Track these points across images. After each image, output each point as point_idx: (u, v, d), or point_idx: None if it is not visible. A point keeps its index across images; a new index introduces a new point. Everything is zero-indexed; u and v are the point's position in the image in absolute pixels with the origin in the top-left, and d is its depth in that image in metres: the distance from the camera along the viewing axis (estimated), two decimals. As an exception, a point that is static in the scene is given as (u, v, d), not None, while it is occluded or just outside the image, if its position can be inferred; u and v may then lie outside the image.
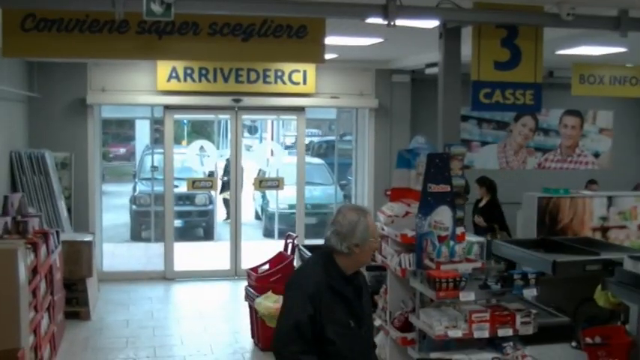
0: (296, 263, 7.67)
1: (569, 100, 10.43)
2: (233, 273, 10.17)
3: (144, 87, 9.69)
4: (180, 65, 9.55)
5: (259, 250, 10.90)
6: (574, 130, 11.33)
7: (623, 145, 11.45)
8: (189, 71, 9.61)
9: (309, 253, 6.52)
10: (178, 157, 11.07)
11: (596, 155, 11.47)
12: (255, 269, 7.67)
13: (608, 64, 8.97)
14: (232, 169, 10.58)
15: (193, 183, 10.19)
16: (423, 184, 4.42)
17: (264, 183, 10.65)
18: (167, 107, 9.85)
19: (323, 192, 11.81)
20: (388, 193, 5.14)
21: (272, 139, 23.89)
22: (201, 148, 10.39)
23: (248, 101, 9.96)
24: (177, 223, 12.42)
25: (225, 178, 12.32)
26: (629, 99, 10.65)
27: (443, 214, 4.39)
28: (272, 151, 11.64)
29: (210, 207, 13.11)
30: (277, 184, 10.39)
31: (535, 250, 6.76)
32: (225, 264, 10.32)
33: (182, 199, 12.80)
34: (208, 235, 13.20)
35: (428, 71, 9.42)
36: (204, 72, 9.64)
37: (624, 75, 9.01)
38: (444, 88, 5.70)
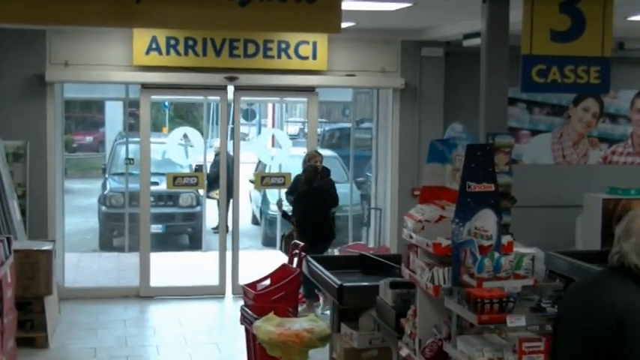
0: (304, 278, 7.70)
1: (643, 78, 10.40)
2: (223, 290, 10.20)
3: (116, 61, 9.73)
4: (161, 35, 9.58)
5: (258, 262, 10.95)
6: (649, 117, 11.28)
7: None
8: (172, 42, 9.64)
9: (319, 266, 6.53)
10: (158, 147, 11.11)
11: (677, 147, 11.42)
12: (253, 285, 7.69)
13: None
14: (223, 162, 10.60)
15: (174, 180, 10.23)
16: (460, 182, 4.42)
17: (267, 180, 10.66)
18: (145, 86, 9.89)
19: (339, 192, 11.81)
20: (417, 193, 5.16)
21: (273, 126, 23.97)
22: (185, 136, 10.41)
23: (245, 80, 9.97)
24: (157, 228, 12.49)
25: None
26: None
27: (485, 219, 4.38)
28: (273, 141, 11.65)
29: (198, 209, 13.16)
30: (283, 181, 10.40)
31: (599, 264, 6.76)
32: (214, 279, 10.36)
33: (163, 199, 12.85)
34: (195, 243, 13.26)
35: (467, 43, 9.40)
36: (191, 43, 9.67)
37: None
38: (488, 65, 5.71)
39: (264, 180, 10.67)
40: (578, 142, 11.00)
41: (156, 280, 10.13)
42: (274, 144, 11.63)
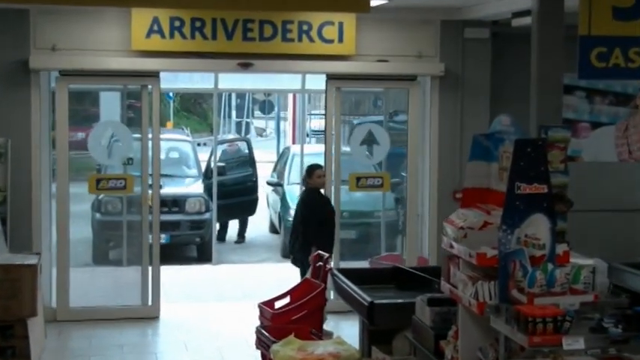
0: (330, 294, 7.72)
1: None
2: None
3: (113, 45, 9.79)
4: (164, 15, 9.63)
5: (277, 277, 11.00)
6: None
7: None
8: (177, 24, 9.69)
9: (347, 280, 6.56)
10: (162, 144, 11.16)
11: None
12: (270, 303, 7.72)
13: None
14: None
15: (98, 183, 10.04)
16: (508, 182, 4.43)
17: (362, 181, 10.52)
18: (146, 75, 9.96)
19: (366, 195, 11.84)
20: (459, 195, 5.16)
21: (294, 119, 24.03)
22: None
23: (261, 66, 10.00)
24: (161, 238, 12.55)
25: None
26: None
27: (537, 226, 4.39)
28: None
29: (207, 216, 13.24)
30: (381, 182, 10.45)
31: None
32: (227, 292, 10.39)
33: (167, 204, 12.92)
34: (204, 255, 13.34)
35: (516, 23, 9.37)
36: (198, 25, 9.72)
37: None
38: (540, 48, 5.71)
39: (359, 181, 10.62)
40: (646, 135, 10.93)
41: (161, 298, 10.17)
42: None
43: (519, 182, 4.40)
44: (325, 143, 10.58)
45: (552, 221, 4.44)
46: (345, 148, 12.12)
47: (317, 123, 24.79)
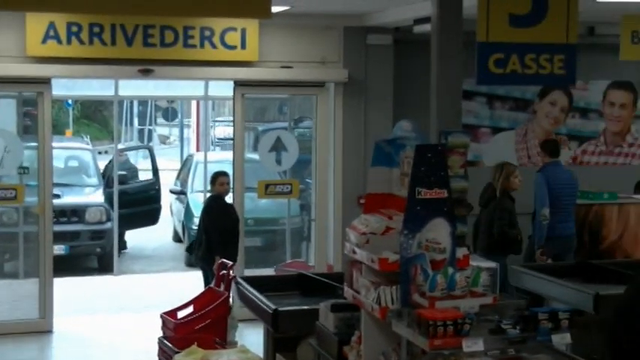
0: (233, 302, 7.69)
1: (617, 67, 10.64)
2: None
3: (7, 51, 9.57)
4: (60, 20, 9.48)
5: (180, 286, 10.92)
6: (624, 110, 11.56)
7: (693, 130, 11.72)
8: (74, 29, 9.54)
9: (251, 288, 6.55)
10: (60, 153, 10.97)
11: (656, 145, 11.73)
12: (173, 313, 7.66)
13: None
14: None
15: None
16: (409, 187, 4.48)
17: (271, 188, 10.51)
18: (42, 81, 9.77)
19: (271, 202, 11.85)
20: (363, 201, 5.20)
21: (198, 127, 23.90)
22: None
23: (162, 73, 9.93)
24: (59, 249, 12.32)
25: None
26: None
27: (438, 230, 4.45)
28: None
29: (108, 225, 13.04)
30: (290, 188, 10.43)
31: (570, 279, 6.92)
32: (129, 303, 10.26)
33: (66, 214, 12.70)
34: (105, 266, 13.14)
35: (418, 29, 9.52)
36: (97, 30, 9.59)
37: (695, 30, 9.21)
38: (439, 54, 5.81)
39: (268, 188, 10.57)
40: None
41: (60, 311, 10.00)
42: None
43: (420, 187, 4.46)
44: (234, 150, 10.54)
45: (452, 225, 4.51)
46: (251, 155, 12.13)
47: (221, 130, 24.72)
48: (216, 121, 25.30)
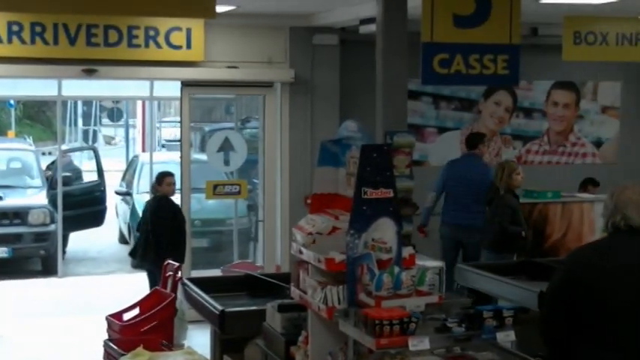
0: (179, 304, 7.66)
1: (559, 67, 10.80)
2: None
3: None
4: (1, 19, 9.36)
5: (126, 288, 10.83)
6: (567, 110, 11.74)
7: (634, 129, 11.93)
8: (15, 28, 9.43)
9: (197, 289, 6.52)
10: (2, 154, 10.84)
11: (598, 144, 11.93)
12: (118, 315, 7.60)
13: (613, 17, 9.32)
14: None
15: None
16: (355, 187, 4.50)
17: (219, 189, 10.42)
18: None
19: (218, 202, 11.81)
20: (310, 201, 5.20)
21: (143, 127, 23.73)
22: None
23: (106, 73, 9.85)
24: (2, 252, 12.17)
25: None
26: (641, 65, 11.11)
27: (384, 230, 4.47)
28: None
29: (52, 227, 12.89)
30: (239, 189, 10.37)
31: (514, 277, 7.01)
32: (74, 306, 10.16)
33: (8, 216, 12.53)
34: (49, 268, 12.98)
35: (363, 30, 9.57)
36: (38, 30, 9.48)
37: (636, 31, 9.38)
38: (385, 54, 5.84)
39: (216, 189, 10.49)
40: (489, 139, 11.33)
41: (4, 315, 9.87)
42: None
43: (366, 187, 4.47)
44: (181, 151, 10.49)
45: (398, 225, 4.53)
46: (197, 156, 12.08)
47: (168, 131, 24.56)
48: (163, 121, 25.13)
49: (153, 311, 7.42)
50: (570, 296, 4.16)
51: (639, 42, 9.39)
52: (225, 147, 10.49)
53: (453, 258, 9.02)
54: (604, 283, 4.09)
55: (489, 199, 8.90)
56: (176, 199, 9.90)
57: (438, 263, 4.92)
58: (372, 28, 8.15)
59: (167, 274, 7.85)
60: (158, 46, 9.84)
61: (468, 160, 9.58)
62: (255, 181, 11.73)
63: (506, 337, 4.37)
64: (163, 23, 9.78)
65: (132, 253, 10.40)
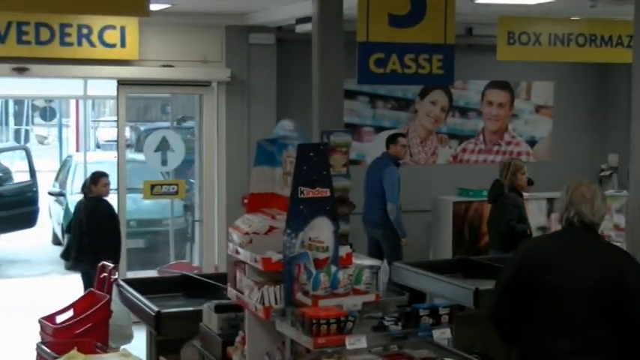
0: (114, 306, 7.58)
1: (494, 67, 10.95)
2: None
3: None
4: None
5: (60, 290, 10.70)
6: (501, 109, 11.90)
7: (568, 128, 12.13)
8: (-58, 25, 9.27)
9: (133, 290, 6.47)
10: None
11: (532, 143, 12.11)
12: (51, 318, 7.50)
13: (547, 18, 9.48)
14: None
15: None
16: (292, 187, 4.50)
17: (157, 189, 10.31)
18: None
19: (154, 202, 11.73)
20: (246, 201, 5.19)
21: (77, 127, 23.43)
22: None
23: (38, 71, 9.72)
24: None
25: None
26: (574, 65, 11.31)
27: (320, 229, 4.47)
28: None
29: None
30: (176, 189, 10.34)
31: (450, 274, 7.09)
32: (5, 309, 10.01)
33: None
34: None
35: (300, 29, 9.57)
36: (-33, 27, 9.34)
37: (569, 32, 9.56)
38: (320, 53, 5.86)
39: (154, 189, 10.37)
40: (426, 139, 11.45)
41: None
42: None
43: (302, 186, 4.48)
44: (118, 150, 10.39)
45: (335, 224, 4.54)
46: (132, 155, 11.97)
47: (103, 131, 24.29)
48: (97, 121, 24.85)
49: (87, 313, 7.33)
50: (521, 287, 4.37)
51: (571, 42, 9.58)
52: (163, 147, 10.43)
53: (373, 254, 9.11)
54: (553, 275, 4.30)
55: (494, 198, 8.76)
56: (110, 199, 9.80)
57: (374, 262, 4.94)
58: (308, 27, 8.16)
59: (101, 276, 7.77)
60: (91, 44, 9.74)
61: (378, 160, 9.79)
62: (192, 181, 11.68)
63: (443, 335, 4.41)
64: (97, 21, 9.68)
65: (64, 255, 10.25)
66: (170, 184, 10.60)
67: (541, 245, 4.64)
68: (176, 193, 10.51)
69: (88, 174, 10.96)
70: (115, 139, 11.50)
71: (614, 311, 4.22)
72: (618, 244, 6.32)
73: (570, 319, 4.26)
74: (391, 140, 9.75)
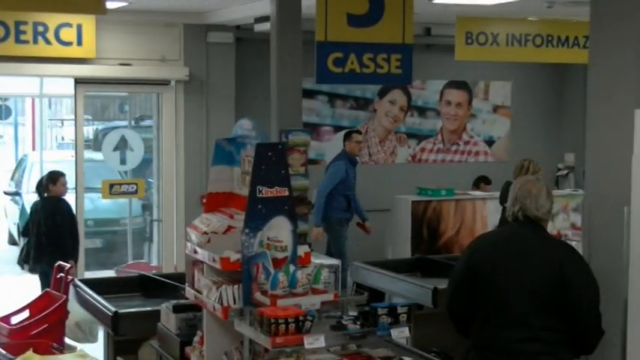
0: (71, 306, 7.52)
1: (452, 67, 11.02)
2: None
3: None
4: None
5: (16, 291, 10.58)
6: (459, 109, 11.98)
7: (525, 127, 12.25)
8: None
9: (90, 290, 6.42)
10: None
11: (490, 143, 12.21)
12: (6, 319, 7.42)
13: (504, 18, 9.56)
14: None
15: None
16: (250, 186, 4.50)
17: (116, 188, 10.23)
18: None
19: (111, 202, 11.65)
20: (205, 200, 5.19)
21: (33, 125, 23.19)
22: None
23: (-8, 69, 9.65)
24: None
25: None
26: (531, 65, 11.42)
27: (279, 229, 4.48)
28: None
29: None
30: (135, 188, 10.25)
31: (409, 273, 7.12)
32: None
33: None
34: None
35: (258, 28, 9.58)
36: None
37: (526, 32, 9.65)
38: (279, 52, 5.87)
39: (113, 188, 10.29)
40: (384, 138, 11.49)
41: None
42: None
43: (261, 186, 4.47)
44: (75, 149, 10.31)
45: (293, 224, 4.55)
46: (89, 154, 11.88)
47: (60, 130, 24.07)
48: (53, 119, 24.63)
49: (43, 314, 7.26)
50: (471, 281, 4.54)
51: (529, 43, 9.67)
52: (122, 146, 10.37)
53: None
54: (498, 270, 4.45)
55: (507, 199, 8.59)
56: (68, 198, 9.72)
57: (333, 261, 4.95)
58: (266, 26, 8.16)
59: (58, 276, 7.70)
60: (47, 42, 9.66)
61: (335, 157, 9.74)
62: (150, 180, 11.63)
63: (401, 334, 4.43)
64: (52, 19, 9.60)
65: (22, 261, 10.04)
66: (129, 184, 10.53)
67: (487, 241, 4.79)
68: (135, 192, 10.44)
69: (45, 173, 10.88)
70: (71, 138, 11.43)
71: (557, 301, 4.36)
72: (574, 243, 6.40)
73: (515, 312, 4.41)
74: (346, 137, 9.77)
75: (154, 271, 8.89)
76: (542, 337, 4.38)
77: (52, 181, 9.37)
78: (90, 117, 17.15)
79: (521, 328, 4.41)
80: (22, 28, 9.53)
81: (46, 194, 9.40)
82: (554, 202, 4.62)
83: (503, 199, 8.85)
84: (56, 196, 9.33)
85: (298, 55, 5.97)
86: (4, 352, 6.58)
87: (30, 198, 13.58)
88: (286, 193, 4.54)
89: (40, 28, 9.62)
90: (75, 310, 7.23)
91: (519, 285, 4.41)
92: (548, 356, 4.39)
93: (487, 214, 9.98)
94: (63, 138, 23.76)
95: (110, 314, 5.84)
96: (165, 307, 5.38)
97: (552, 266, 4.40)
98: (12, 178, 15.85)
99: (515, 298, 4.42)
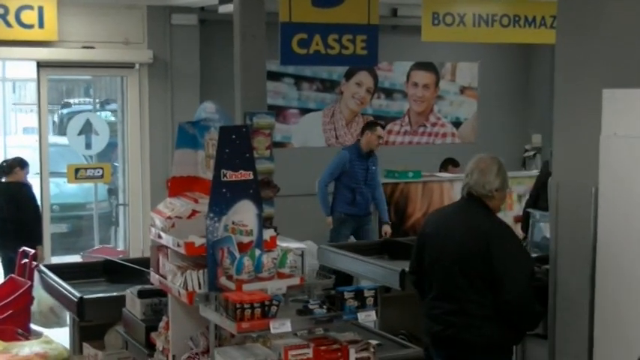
0: (36, 292, 7.46)
1: (419, 48, 11.00)
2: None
3: None
4: None
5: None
6: (426, 91, 11.98)
7: (492, 109, 12.27)
8: None
9: (54, 276, 6.36)
10: None
11: (457, 124, 12.23)
12: (-29, 306, 7.35)
13: (471, -3, 9.55)
14: None
15: None
16: (214, 170, 4.46)
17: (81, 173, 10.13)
18: None
19: (77, 186, 11.56)
20: (169, 184, 5.14)
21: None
22: None
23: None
24: None
25: None
26: (498, 46, 11.43)
27: (244, 212, 4.44)
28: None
29: None
30: (101, 173, 10.17)
31: (377, 256, 7.11)
32: None
33: None
34: None
35: (223, 9, 9.48)
36: None
37: (492, 12, 9.63)
38: (242, 34, 5.82)
39: (78, 172, 10.18)
40: (351, 120, 11.46)
41: None
42: None
43: (225, 169, 4.43)
44: (39, 134, 10.20)
45: (259, 207, 4.51)
46: (53, 139, 11.76)
47: (23, 115, 23.79)
48: (17, 104, 24.35)
49: (7, 300, 7.21)
50: (417, 251, 4.92)
51: (495, 23, 9.67)
52: (87, 130, 10.28)
53: None
54: (435, 245, 4.77)
55: (536, 194, 8.22)
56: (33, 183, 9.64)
57: (299, 245, 4.93)
58: (231, 7, 8.10)
59: (23, 262, 7.63)
60: (8, 24, 9.56)
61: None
62: (116, 164, 11.54)
63: (368, 317, 4.41)
64: (13, 1, 9.52)
65: None
66: (95, 168, 10.44)
67: (432, 216, 5.08)
68: (101, 176, 10.36)
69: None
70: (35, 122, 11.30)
71: (482, 277, 4.58)
72: (543, 224, 6.41)
73: (447, 285, 4.71)
74: (367, 127, 9.39)
75: (119, 256, 8.82)
76: (469, 311, 4.61)
77: (20, 166, 9.27)
78: (54, 101, 16.98)
79: (449, 301, 4.68)
80: (-19, 10, 9.44)
81: (3, 179, 9.30)
82: (507, 180, 4.74)
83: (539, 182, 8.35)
84: (17, 182, 9.23)
85: (262, 36, 5.92)
86: (-34, 339, 6.52)
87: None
88: (251, 177, 4.50)
89: (0, 11, 9.50)
90: (47, 295, 7.19)
91: (450, 263, 4.66)
92: (475, 329, 4.60)
93: (454, 196, 9.98)
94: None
95: (75, 300, 5.80)
96: (130, 292, 5.34)
97: (480, 243, 4.57)
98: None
99: (444, 272, 4.68)
